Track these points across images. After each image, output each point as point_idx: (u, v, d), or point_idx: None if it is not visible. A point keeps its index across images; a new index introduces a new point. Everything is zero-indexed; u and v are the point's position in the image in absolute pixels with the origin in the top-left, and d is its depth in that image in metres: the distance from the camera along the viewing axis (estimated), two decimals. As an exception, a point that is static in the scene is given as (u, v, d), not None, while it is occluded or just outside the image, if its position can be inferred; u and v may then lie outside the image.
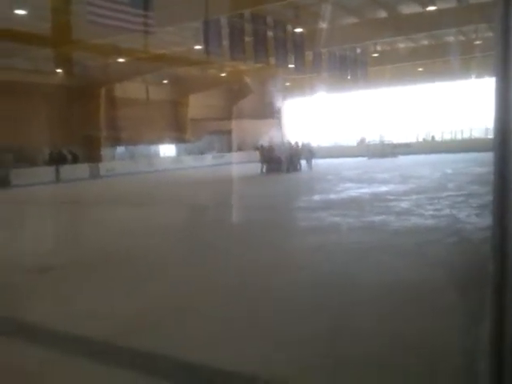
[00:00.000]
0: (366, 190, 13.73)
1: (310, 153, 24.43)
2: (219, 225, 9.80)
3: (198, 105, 37.30)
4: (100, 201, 16.32)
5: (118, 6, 12.00)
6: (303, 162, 24.01)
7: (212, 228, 9.48)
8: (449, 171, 18.48)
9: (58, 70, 26.75)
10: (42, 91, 25.37)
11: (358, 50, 27.29)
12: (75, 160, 27.69)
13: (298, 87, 36.57)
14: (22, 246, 8.37)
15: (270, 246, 7.51)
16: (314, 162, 24.25)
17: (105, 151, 30.28)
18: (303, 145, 25.35)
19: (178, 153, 35.82)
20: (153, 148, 34.03)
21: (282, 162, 22.75)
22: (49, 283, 5.99)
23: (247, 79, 35.14)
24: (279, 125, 39.59)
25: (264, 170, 22.98)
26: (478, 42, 24.94)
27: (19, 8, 15.78)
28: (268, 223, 9.60)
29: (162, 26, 16.50)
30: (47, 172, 24.79)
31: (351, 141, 38.28)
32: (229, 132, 35.82)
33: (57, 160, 25.78)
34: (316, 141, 34.20)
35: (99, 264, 6.83)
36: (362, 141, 36.95)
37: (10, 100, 24.46)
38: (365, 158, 30.83)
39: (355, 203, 11.39)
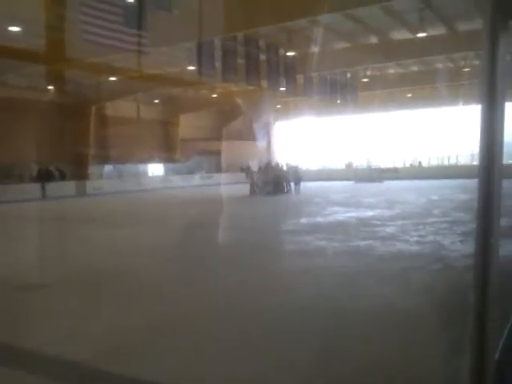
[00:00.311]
0: (352, 214, 13.84)
1: (297, 175, 24.53)
2: (206, 246, 9.79)
3: (188, 125, 37.53)
4: (82, 219, 16.18)
5: (112, 25, 12.12)
6: (292, 185, 24.15)
7: (199, 249, 9.47)
8: (434, 197, 18.68)
9: (50, 87, 26.80)
10: (32, 108, 25.39)
11: (349, 75, 27.72)
12: (62, 177, 27.57)
13: (289, 110, 36.96)
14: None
15: (258, 267, 7.52)
16: (302, 184, 24.36)
17: (93, 169, 30.22)
18: (290, 167, 25.46)
19: (167, 172, 35.85)
20: (141, 167, 34.07)
21: (267, 183, 22.95)
22: (34, 301, 5.94)
23: (238, 101, 35.46)
24: (268, 147, 39.88)
25: (251, 191, 23.07)
26: (466, 69, 25.49)
27: (13, 25, 15.87)
28: (254, 245, 9.61)
29: (156, 46, 16.66)
30: (33, 189, 24.67)
31: (339, 164, 38.64)
32: (218, 152, 35.98)
33: (44, 177, 25.67)
34: (304, 163, 34.45)
35: (85, 282, 6.79)
36: (350, 165, 37.30)
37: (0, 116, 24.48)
38: (352, 182, 31.08)
39: (341, 227, 11.47)
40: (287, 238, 10.34)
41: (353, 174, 33.41)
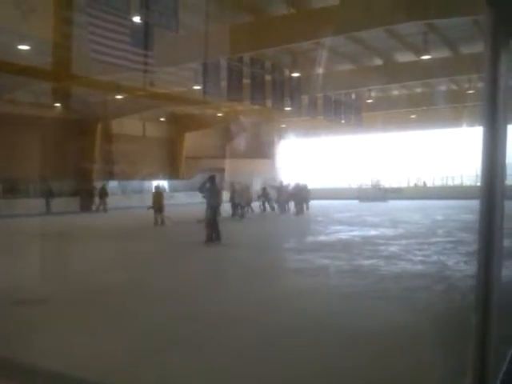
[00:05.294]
0: (356, 233, 13.81)
1: (306, 194, 24.40)
2: (206, 262, 9.79)
3: (193, 143, 37.72)
4: (82, 235, 16.10)
5: (119, 44, 12.27)
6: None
7: (200, 265, 9.46)
8: (439, 217, 18.63)
9: (57, 104, 27.06)
10: (39, 124, 25.59)
11: (353, 96, 27.89)
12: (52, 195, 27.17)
13: (294, 129, 37.12)
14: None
15: (260, 286, 7.48)
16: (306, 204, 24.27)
17: (97, 185, 30.30)
18: (298, 186, 25.01)
19: (171, 189, 35.87)
20: (145, 184, 34.09)
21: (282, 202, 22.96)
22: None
23: (243, 119, 35.68)
24: (273, 165, 40.03)
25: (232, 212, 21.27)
26: (470, 92, 25.60)
27: (23, 43, 16.13)
28: (257, 263, 9.59)
29: (162, 66, 16.86)
30: (38, 204, 24.76)
31: (343, 183, 38.55)
32: (222, 170, 36.07)
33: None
34: (309, 181, 34.34)
35: (77, 297, 6.78)
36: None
37: (5, 131, 24.68)
38: (356, 201, 31.08)
39: (345, 246, 11.44)
40: (292, 256, 10.33)
41: (357, 193, 33.39)
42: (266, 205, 23.74)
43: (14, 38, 15.70)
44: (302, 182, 25.89)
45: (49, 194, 25.72)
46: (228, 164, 35.81)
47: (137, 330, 5.21)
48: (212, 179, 12.75)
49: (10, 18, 13.57)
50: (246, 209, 21.45)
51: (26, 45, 16.32)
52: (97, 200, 27.43)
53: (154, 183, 29.81)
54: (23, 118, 25.13)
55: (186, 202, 32.49)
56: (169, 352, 4.55)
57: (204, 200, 12.72)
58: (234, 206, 20.75)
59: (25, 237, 15.29)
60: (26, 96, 24.90)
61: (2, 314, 5.98)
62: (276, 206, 23.55)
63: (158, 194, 18.42)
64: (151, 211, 17.63)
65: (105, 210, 26.59)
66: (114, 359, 4.37)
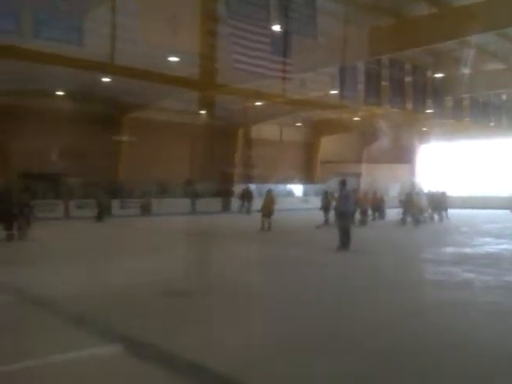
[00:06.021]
0: (506, 247, 12.66)
1: (444, 202, 22.80)
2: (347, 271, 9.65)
3: (328, 147, 37.70)
4: (226, 235, 16.62)
5: (260, 53, 12.70)
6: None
7: (342, 273, 9.36)
8: None
9: (202, 111, 28.87)
10: (186, 130, 27.71)
11: (504, 97, 25.67)
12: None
13: (436, 133, 35.16)
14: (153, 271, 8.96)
15: (399, 296, 7.19)
16: (445, 212, 22.54)
17: (237, 187, 31.67)
18: (435, 194, 23.39)
19: (306, 193, 36.12)
20: (282, 187, 34.72)
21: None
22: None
23: (381, 123, 34.70)
24: (413, 170, 38.40)
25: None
26: None
27: (172, 55, 17.54)
28: (393, 273, 9.23)
29: (300, 72, 17.09)
30: (183, 203, 26.75)
31: (491, 192, 35.41)
32: (358, 175, 35.44)
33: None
34: (452, 189, 32.11)
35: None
36: None
37: (155, 137, 27.01)
38: (507, 211, 28.42)
39: (493, 260, 10.55)
40: (433, 268, 9.79)
41: (508, 203, 30.49)
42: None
43: (165, 51, 17.09)
44: (440, 189, 24.33)
45: (194, 195, 27.52)
46: (364, 169, 35.15)
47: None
48: (343, 184, 12.23)
49: (162, 32, 14.82)
50: (369, 215, 20.71)
51: (176, 56, 17.71)
52: (246, 202, 28.10)
53: (288, 187, 30.15)
54: (172, 125, 27.45)
55: (318, 205, 32.47)
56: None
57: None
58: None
59: (177, 233, 16.57)
60: (175, 104, 26.91)
61: (154, 304, 6.60)
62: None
63: (269, 198, 17.50)
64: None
65: (248, 212, 26.95)
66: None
